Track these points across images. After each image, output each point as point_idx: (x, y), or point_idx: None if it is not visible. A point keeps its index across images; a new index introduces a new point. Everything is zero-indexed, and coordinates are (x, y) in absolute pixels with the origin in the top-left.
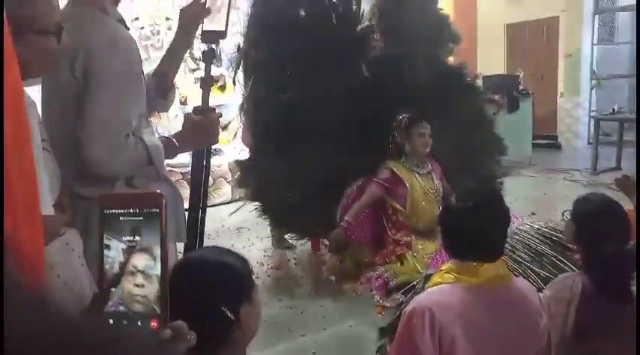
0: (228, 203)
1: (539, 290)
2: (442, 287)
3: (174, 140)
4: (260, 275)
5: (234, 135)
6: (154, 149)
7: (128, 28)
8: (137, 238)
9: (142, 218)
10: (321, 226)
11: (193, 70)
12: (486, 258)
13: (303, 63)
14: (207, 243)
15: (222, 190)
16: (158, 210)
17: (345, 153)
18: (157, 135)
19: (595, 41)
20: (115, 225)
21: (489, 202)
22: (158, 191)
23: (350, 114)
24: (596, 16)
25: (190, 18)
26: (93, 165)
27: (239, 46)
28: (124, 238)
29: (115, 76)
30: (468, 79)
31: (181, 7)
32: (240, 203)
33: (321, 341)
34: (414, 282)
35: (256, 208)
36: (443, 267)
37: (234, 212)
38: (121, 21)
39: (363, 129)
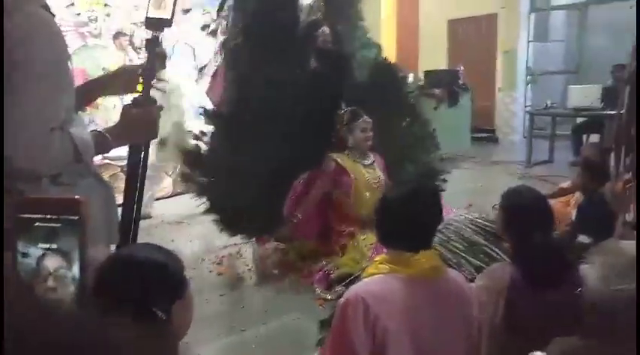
0: (169, 197)
1: (472, 279)
2: (376, 277)
3: (107, 135)
4: (201, 270)
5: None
6: (82, 144)
7: (53, 15)
8: (53, 245)
9: (59, 224)
10: (270, 225)
11: (130, 60)
12: (417, 247)
13: (249, 54)
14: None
15: (163, 184)
16: (77, 218)
17: (291, 147)
18: (90, 128)
19: (531, 38)
20: (31, 231)
21: (420, 193)
22: (77, 197)
23: (295, 108)
24: (532, 15)
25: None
26: (16, 161)
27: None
28: (39, 245)
29: (37, 65)
30: (401, 75)
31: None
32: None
33: (262, 336)
34: (355, 274)
35: (202, 205)
36: (377, 258)
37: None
38: (45, 7)
39: (308, 123)
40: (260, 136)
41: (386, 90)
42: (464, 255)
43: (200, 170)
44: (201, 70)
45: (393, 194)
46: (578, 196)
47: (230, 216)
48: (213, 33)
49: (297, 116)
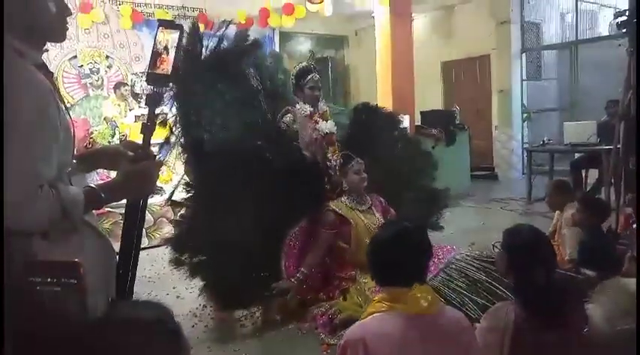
0: (168, 238)
1: (477, 319)
2: (375, 316)
3: (100, 191)
4: (203, 318)
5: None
6: (70, 202)
7: (52, 73)
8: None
9: (59, 288)
10: (268, 290)
11: (131, 109)
12: (410, 282)
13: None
14: (147, 286)
15: (164, 230)
16: (76, 282)
17: (281, 203)
18: (96, 178)
19: (524, 77)
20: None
21: (406, 232)
22: (76, 260)
23: (281, 161)
24: (523, 54)
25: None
26: (5, 223)
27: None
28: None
29: (22, 125)
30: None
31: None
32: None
33: None
34: (358, 318)
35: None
36: (375, 297)
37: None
38: (40, 66)
39: (296, 174)
40: (245, 198)
41: (381, 132)
42: (467, 293)
43: (189, 252)
44: None
45: (381, 235)
46: (562, 221)
47: (225, 291)
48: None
49: (282, 170)
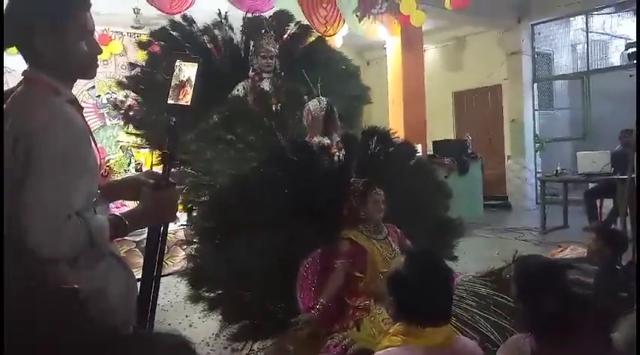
0: (184, 272)
1: (489, 336)
2: (390, 350)
3: (124, 219)
4: (215, 347)
5: None
6: (97, 230)
7: (82, 108)
8: None
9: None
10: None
11: None
12: (430, 323)
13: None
14: (160, 314)
15: (178, 258)
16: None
17: (298, 232)
18: (112, 209)
19: (536, 107)
20: None
21: (431, 267)
22: (76, 286)
23: (299, 189)
24: (535, 85)
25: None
26: (32, 249)
27: None
28: None
29: (55, 159)
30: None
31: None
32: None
33: None
34: (372, 349)
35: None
36: (390, 330)
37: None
38: (73, 101)
39: (313, 201)
40: (262, 229)
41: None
42: (477, 311)
43: (206, 286)
44: None
45: (400, 270)
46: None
47: (243, 324)
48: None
49: (303, 197)
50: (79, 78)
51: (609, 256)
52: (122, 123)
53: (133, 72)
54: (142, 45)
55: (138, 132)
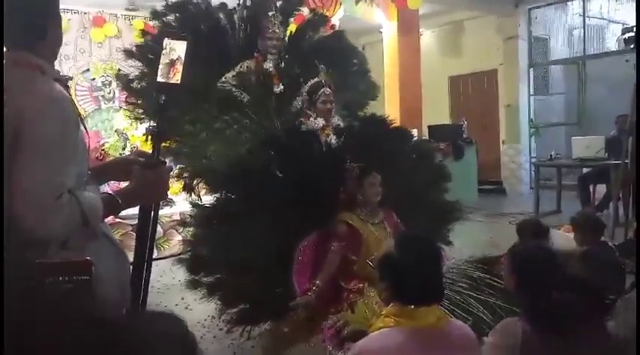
0: (179, 255)
1: (481, 318)
2: (382, 331)
3: (117, 197)
4: (211, 329)
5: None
6: (90, 209)
7: (68, 86)
8: None
9: (72, 285)
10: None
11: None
12: (421, 302)
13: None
14: (156, 297)
15: (173, 242)
16: (88, 278)
17: (296, 215)
18: (106, 189)
19: (531, 92)
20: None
21: (420, 248)
22: (88, 258)
23: (294, 172)
24: (531, 69)
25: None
26: (23, 229)
27: None
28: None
29: (45, 137)
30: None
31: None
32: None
33: None
34: (366, 330)
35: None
36: (383, 311)
37: None
38: (59, 80)
39: (312, 185)
40: (260, 214)
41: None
42: (469, 292)
43: (205, 271)
44: None
45: (393, 250)
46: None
47: (241, 308)
48: None
49: (295, 182)
50: (57, 50)
51: (593, 241)
52: (117, 107)
53: (142, 40)
54: (155, 14)
55: (137, 102)
